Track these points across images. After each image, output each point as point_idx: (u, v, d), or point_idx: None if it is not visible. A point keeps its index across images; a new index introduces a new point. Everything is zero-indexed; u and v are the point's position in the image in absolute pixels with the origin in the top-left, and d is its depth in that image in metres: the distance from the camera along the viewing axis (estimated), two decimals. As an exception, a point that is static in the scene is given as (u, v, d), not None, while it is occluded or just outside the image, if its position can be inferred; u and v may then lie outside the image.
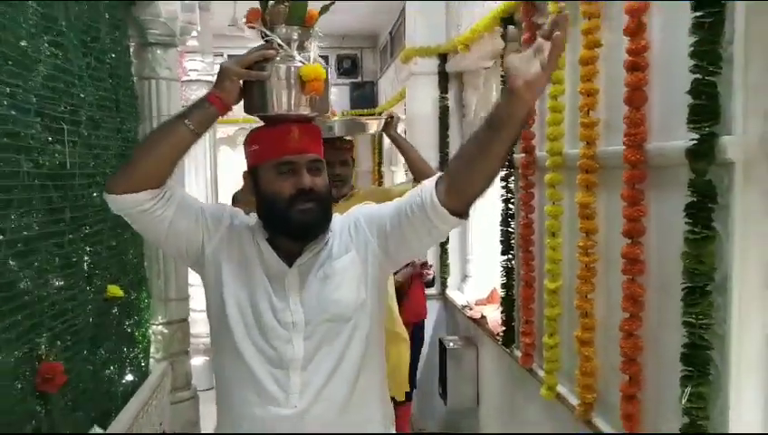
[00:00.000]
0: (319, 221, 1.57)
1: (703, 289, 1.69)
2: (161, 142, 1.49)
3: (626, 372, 2.08)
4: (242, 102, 1.57)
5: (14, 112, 1.88)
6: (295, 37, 1.57)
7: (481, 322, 3.87)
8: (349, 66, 8.91)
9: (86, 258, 2.52)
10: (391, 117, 2.97)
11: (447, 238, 4.40)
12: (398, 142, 2.87)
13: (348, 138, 2.92)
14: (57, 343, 2.23)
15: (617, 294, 2.13)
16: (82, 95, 2.44)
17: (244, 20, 1.62)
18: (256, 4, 1.57)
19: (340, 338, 1.56)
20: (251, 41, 1.61)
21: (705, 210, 1.67)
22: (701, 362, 1.70)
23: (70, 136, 2.30)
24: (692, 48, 1.67)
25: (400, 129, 3.03)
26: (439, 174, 1.50)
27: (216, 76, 1.53)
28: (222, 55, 6.05)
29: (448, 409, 4.26)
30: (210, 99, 1.49)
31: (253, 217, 1.65)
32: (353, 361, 1.57)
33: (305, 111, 1.56)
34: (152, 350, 3.48)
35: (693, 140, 1.68)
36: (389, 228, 1.56)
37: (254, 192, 1.61)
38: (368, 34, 8.78)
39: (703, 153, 1.66)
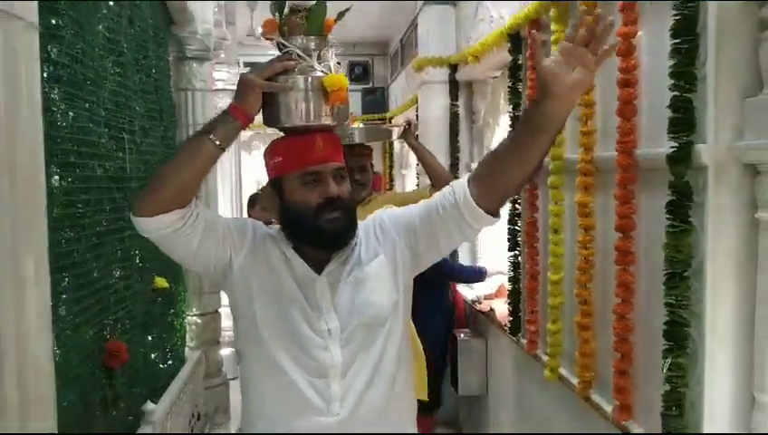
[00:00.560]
0: (347, 229, 1.58)
1: (681, 275, 1.98)
2: (188, 161, 1.45)
3: (618, 351, 2.37)
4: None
5: (90, 125, 2.18)
6: (313, 47, 1.57)
7: (489, 314, 4.16)
8: (360, 72, 9.21)
9: (137, 252, 2.83)
10: (409, 124, 3.20)
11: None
12: (417, 148, 3.03)
13: (367, 144, 3.16)
14: (118, 326, 2.54)
15: (611, 283, 2.42)
16: (137, 107, 2.76)
17: (261, 31, 1.65)
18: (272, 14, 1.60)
19: (377, 342, 1.58)
20: (269, 48, 1.65)
21: (682, 207, 1.96)
22: (680, 337, 1.99)
23: (128, 144, 2.61)
24: (671, 69, 1.97)
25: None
26: (468, 175, 1.54)
27: (238, 87, 1.51)
28: (238, 64, 6.38)
29: (459, 396, 4.56)
30: (234, 113, 1.48)
31: (274, 228, 1.67)
32: (391, 363, 1.59)
33: (328, 120, 1.57)
34: (187, 339, 3.79)
35: (673, 147, 1.97)
36: (419, 227, 1.58)
37: (278, 203, 1.61)
38: (379, 42, 9.08)
39: (681, 159, 1.95)
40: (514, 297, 3.63)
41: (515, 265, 3.62)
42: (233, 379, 4.63)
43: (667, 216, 2.00)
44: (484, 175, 1.50)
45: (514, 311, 3.63)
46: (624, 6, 2.26)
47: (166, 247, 1.54)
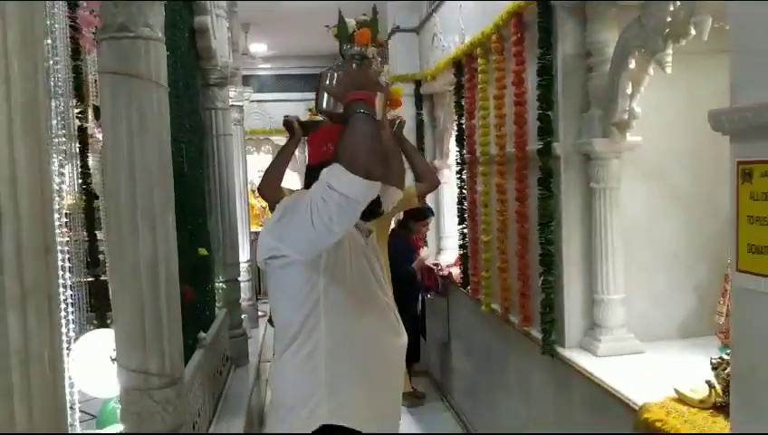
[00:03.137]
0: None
1: (548, 224, 3.16)
2: (376, 135, 1.72)
3: (520, 280, 3.56)
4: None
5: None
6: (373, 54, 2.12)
7: (448, 277, 5.34)
8: (342, 82, 10.32)
9: (190, 227, 3.97)
10: (398, 120, 3.37)
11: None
12: (404, 144, 3.23)
13: None
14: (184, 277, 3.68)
15: (515, 236, 3.60)
16: (186, 124, 3.90)
17: (358, 40, 2.08)
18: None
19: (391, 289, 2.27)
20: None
21: (546, 182, 3.15)
22: (548, 263, 3.18)
23: (185, 153, 3.76)
24: (537, 95, 3.15)
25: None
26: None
27: (361, 82, 1.84)
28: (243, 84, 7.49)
29: (427, 344, 5.76)
30: (367, 100, 1.75)
31: None
32: None
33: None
34: (216, 298, 4.93)
35: (539, 144, 3.16)
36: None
37: None
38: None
39: (545, 152, 3.14)
40: (464, 259, 4.81)
41: (464, 235, 4.80)
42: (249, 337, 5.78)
43: (538, 187, 3.19)
44: None
45: (464, 269, 4.81)
46: (516, 54, 3.44)
47: (352, 218, 1.74)
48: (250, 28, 8.74)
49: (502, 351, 4.12)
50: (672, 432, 2.15)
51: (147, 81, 2.46)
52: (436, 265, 5.66)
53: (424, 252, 5.58)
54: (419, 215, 5.32)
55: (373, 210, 1.96)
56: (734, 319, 1.53)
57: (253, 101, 9.12)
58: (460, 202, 4.80)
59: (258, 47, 9.61)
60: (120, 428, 2.68)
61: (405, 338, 2.10)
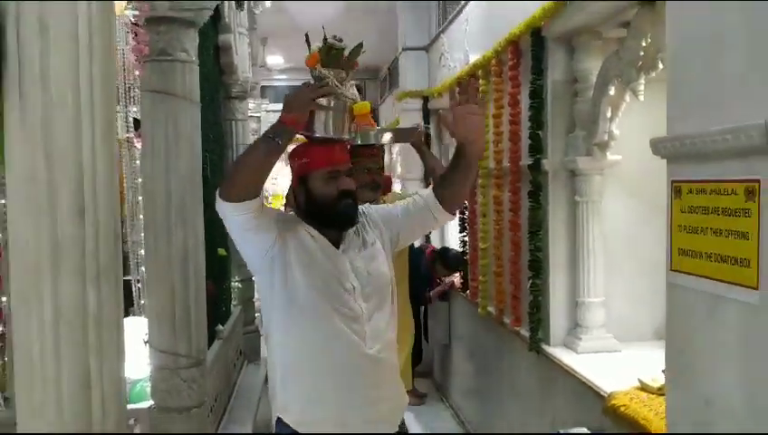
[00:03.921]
0: (356, 212, 2.08)
1: (536, 233, 3.49)
2: (264, 159, 1.86)
3: (512, 284, 3.88)
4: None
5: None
6: (344, 77, 2.01)
7: (451, 285, 5.67)
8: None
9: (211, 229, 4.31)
10: (417, 128, 3.33)
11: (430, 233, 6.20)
12: (423, 152, 3.34)
13: (378, 146, 3.31)
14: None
15: (509, 243, 3.93)
16: (210, 135, 4.26)
17: (305, 62, 2.02)
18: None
19: (387, 299, 2.10)
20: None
21: (536, 194, 3.48)
22: (537, 268, 3.51)
23: (209, 161, 4.11)
24: (529, 116, 3.49)
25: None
26: (432, 186, 2.14)
27: (291, 103, 1.89)
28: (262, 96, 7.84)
29: (429, 346, 6.09)
30: (290, 123, 1.87)
31: (291, 214, 2.16)
32: (394, 315, 2.15)
33: (348, 135, 2.05)
34: (232, 296, 5.27)
35: (530, 160, 3.49)
36: (401, 228, 2.16)
37: (305, 195, 2.05)
38: (370, 68, 10.61)
39: (535, 167, 3.47)
40: (464, 266, 5.13)
41: (464, 242, 5.13)
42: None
43: (529, 199, 3.52)
44: (443, 189, 2.08)
45: (465, 275, 5.14)
46: (512, 77, 3.78)
47: (239, 227, 1.95)
48: (267, 42, 9.13)
49: (496, 349, 4.44)
50: (632, 414, 2.47)
51: (182, 98, 2.83)
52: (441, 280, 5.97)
53: (449, 279, 5.74)
54: (450, 264, 5.46)
55: (340, 222, 2.05)
56: (667, 310, 1.85)
57: (269, 111, 9.51)
58: (461, 212, 5.13)
59: (275, 59, 10.00)
60: (149, 403, 3.02)
61: (374, 350, 2.03)
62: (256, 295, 6.56)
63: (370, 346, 2.03)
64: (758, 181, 1.46)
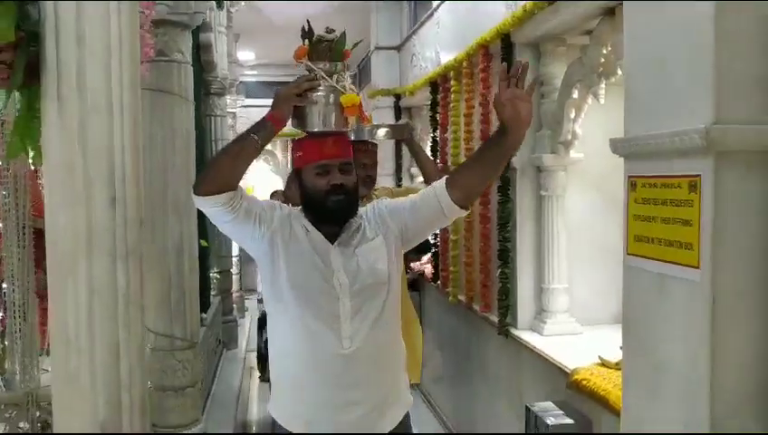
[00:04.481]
0: (348, 209, 2.02)
1: (505, 225, 3.75)
2: (238, 155, 1.90)
3: (482, 273, 4.14)
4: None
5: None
6: (334, 70, 1.98)
7: (421, 274, 5.91)
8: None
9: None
10: (408, 123, 3.63)
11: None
12: (414, 146, 3.30)
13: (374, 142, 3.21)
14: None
15: (478, 235, 4.18)
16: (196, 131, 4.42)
17: (294, 56, 2.00)
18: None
19: (379, 297, 2.02)
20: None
21: (504, 189, 3.74)
22: (505, 257, 3.77)
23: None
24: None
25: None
26: (446, 177, 1.98)
27: (275, 99, 1.92)
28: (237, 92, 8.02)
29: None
30: (271, 119, 1.90)
31: (295, 208, 2.10)
32: (389, 314, 2.05)
33: (340, 128, 2.00)
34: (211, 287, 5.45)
35: (500, 157, 3.74)
36: (408, 217, 2.04)
37: (299, 188, 2.06)
38: (341, 66, 10.75)
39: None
40: (435, 256, 5.38)
41: (435, 235, 5.37)
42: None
43: (498, 193, 3.78)
44: (462, 181, 1.95)
45: (436, 266, 5.39)
46: (483, 79, 4.03)
47: (218, 220, 1.97)
48: (239, 37, 9.26)
49: (467, 335, 4.70)
50: (592, 387, 2.73)
51: (178, 96, 3.01)
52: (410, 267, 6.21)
53: (418, 268, 5.92)
54: (419, 246, 5.53)
55: (330, 216, 2.02)
56: (624, 289, 2.11)
57: (245, 107, 9.65)
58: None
59: (246, 55, 10.13)
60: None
61: (350, 350, 1.98)
62: (234, 287, 6.76)
63: (347, 346, 1.98)
64: (699, 176, 1.71)
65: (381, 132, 3.17)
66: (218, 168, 1.95)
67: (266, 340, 4.29)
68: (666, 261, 1.85)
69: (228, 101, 6.29)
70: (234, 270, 6.31)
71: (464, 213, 2.03)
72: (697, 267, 1.73)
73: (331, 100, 1.97)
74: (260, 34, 9.12)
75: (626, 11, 2.10)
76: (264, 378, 4.87)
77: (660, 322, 1.90)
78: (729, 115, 1.66)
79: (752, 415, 1.70)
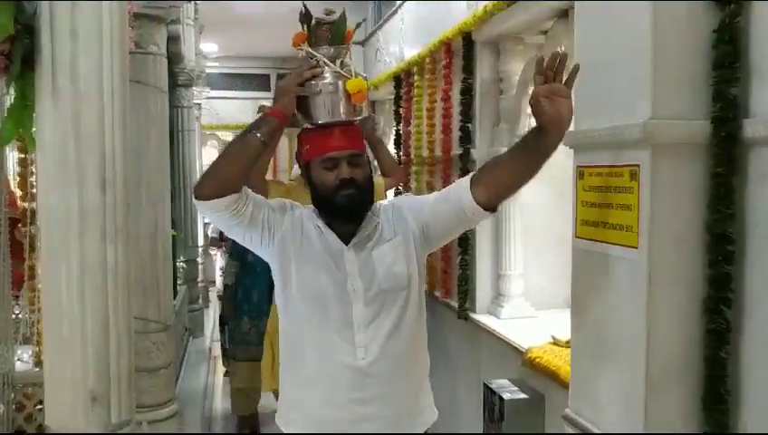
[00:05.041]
0: (359, 205, 1.85)
1: (465, 214, 3.94)
2: (241, 154, 1.77)
3: (443, 260, 4.33)
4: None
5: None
6: (336, 54, 1.82)
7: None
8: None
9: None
10: (369, 116, 3.29)
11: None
12: (372, 139, 3.21)
13: None
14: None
15: (441, 224, 4.37)
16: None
17: (292, 43, 1.86)
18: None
19: (397, 303, 1.86)
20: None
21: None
22: (465, 246, 3.96)
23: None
24: (459, 110, 3.93)
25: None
26: (471, 177, 1.85)
27: (276, 92, 1.82)
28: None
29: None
30: (273, 114, 1.78)
31: (309, 207, 1.93)
32: (408, 322, 1.88)
33: (349, 117, 1.83)
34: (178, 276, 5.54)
35: (460, 150, 3.93)
36: (430, 219, 1.89)
37: (308, 183, 1.91)
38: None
39: (464, 156, 3.92)
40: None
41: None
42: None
43: (459, 184, 3.96)
44: (489, 180, 1.83)
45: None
46: (445, 75, 4.21)
47: (223, 226, 1.88)
48: (203, 29, 9.29)
49: (428, 319, 4.88)
50: (545, 364, 2.94)
51: (153, 87, 3.13)
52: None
53: None
54: None
55: (340, 214, 1.87)
56: (572, 268, 2.31)
57: (210, 99, 9.69)
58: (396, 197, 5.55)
59: (209, 47, 10.16)
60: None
61: (365, 361, 1.83)
62: (201, 277, 6.85)
63: (362, 356, 1.83)
64: (638, 166, 1.91)
65: None
66: (219, 169, 1.79)
67: (229, 337, 4.50)
68: (609, 242, 2.05)
69: (195, 92, 6.36)
70: (199, 260, 6.41)
71: (488, 215, 1.90)
72: (636, 247, 1.93)
73: (337, 87, 1.81)
74: (223, 27, 9.16)
75: (576, 14, 2.29)
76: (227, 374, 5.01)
77: (604, 297, 2.10)
78: (664, 111, 1.86)
79: (681, 374, 1.91)
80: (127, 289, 1.96)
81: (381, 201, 2.02)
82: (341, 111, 1.83)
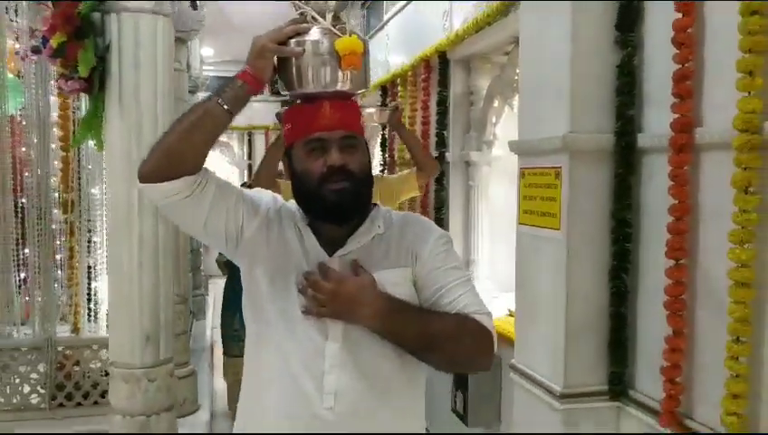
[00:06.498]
0: (352, 202, 1.43)
1: (440, 209, 4.55)
2: (196, 126, 1.35)
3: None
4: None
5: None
6: (330, 8, 1.45)
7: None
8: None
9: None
10: (397, 107, 3.20)
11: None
12: (401, 132, 3.19)
13: None
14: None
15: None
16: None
17: None
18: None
19: (385, 347, 1.43)
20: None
21: (440, 180, 4.53)
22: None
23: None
24: (436, 119, 4.54)
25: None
26: (485, 317, 1.58)
27: (250, 51, 1.38)
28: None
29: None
30: (242, 76, 1.37)
31: (290, 202, 1.54)
32: (400, 372, 1.47)
33: (342, 86, 1.42)
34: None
35: (436, 153, 4.54)
36: (426, 291, 1.49)
37: (291, 174, 1.49)
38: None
39: (440, 159, 4.52)
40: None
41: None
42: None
43: (435, 183, 4.58)
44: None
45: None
46: (424, 87, 4.83)
47: (175, 217, 1.47)
48: (200, 34, 9.83)
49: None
50: (500, 331, 3.55)
51: (179, 99, 3.69)
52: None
53: None
54: None
55: (325, 212, 1.46)
56: (516, 251, 2.92)
57: (198, 102, 10.20)
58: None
59: (206, 51, 10.69)
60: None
61: (331, 410, 1.40)
62: (203, 266, 7.44)
63: (328, 406, 1.40)
64: (560, 168, 2.52)
65: (367, 112, 2.78)
66: (170, 142, 1.38)
67: (222, 333, 4.71)
68: (540, 226, 2.67)
69: (199, 98, 6.89)
70: (202, 250, 6.99)
71: None
72: (559, 229, 2.54)
73: (326, 49, 1.41)
74: (220, 31, 9.67)
75: (521, 44, 2.89)
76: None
77: (537, 270, 2.72)
78: (579, 126, 2.46)
79: (593, 327, 2.52)
80: (171, 258, 2.56)
81: (388, 207, 1.62)
82: (329, 78, 1.41)
